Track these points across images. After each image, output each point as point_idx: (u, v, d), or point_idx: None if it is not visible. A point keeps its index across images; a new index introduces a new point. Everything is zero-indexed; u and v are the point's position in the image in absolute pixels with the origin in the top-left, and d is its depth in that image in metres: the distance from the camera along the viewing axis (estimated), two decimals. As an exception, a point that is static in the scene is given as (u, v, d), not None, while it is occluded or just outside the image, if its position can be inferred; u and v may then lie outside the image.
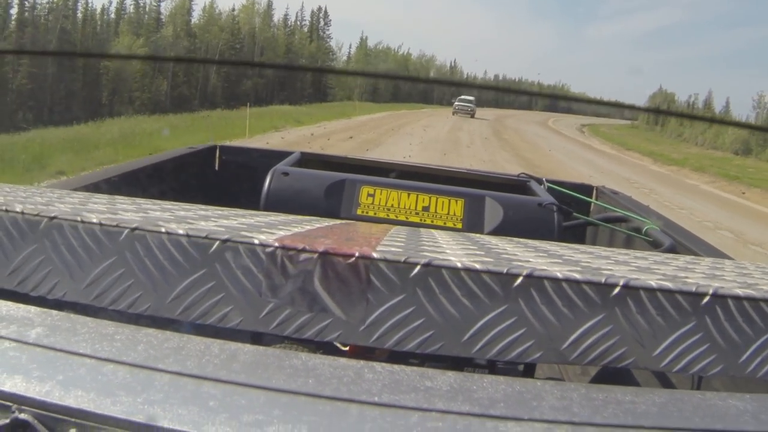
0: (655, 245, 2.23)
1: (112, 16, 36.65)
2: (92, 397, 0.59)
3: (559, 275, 0.74)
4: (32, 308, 0.74)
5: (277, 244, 0.75)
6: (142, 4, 39.48)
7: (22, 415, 0.59)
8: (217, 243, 0.75)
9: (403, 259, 0.74)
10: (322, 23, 66.69)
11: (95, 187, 2.09)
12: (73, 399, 0.59)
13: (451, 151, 22.80)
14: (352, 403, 0.61)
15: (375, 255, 0.74)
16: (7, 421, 0.59)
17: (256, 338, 1.29)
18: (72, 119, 23.00)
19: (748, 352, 0.73)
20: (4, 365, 0.63)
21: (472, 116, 50.93)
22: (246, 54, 47.78)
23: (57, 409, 0.59)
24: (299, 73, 56.65)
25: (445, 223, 2.28)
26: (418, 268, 0.73)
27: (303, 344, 1.35)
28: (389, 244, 0.87)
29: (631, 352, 0.73)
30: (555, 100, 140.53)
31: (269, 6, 56.28)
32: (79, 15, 31.29)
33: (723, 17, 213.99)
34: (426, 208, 2.30)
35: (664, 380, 1.72)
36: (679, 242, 2.24)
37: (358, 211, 2.29)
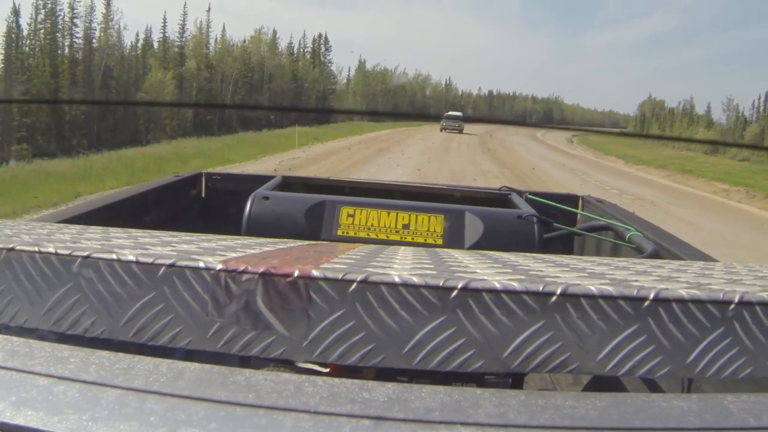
0: (638, 251, 2.25)
1: (139, 51, 41.05)
2: (41, 416, 0.61)
3: (497, 285, 0.74)
4: None
5: (220, 266, 0.77)
6: (167, 40, 44.02)
7: None
8: (164, 267, 0.78)
9: (340, 276, 0.76)
10: (323, 49, 71.16)
11: (79, 219, 2.18)
12: (23, 418, 0.61)
13: (443, 154, 28.39)
14: (288, 414, 0.62)
15: (315, 273, 0.76)
16: None
17: (245, 362, 1.28)
18: (119, 144, 26.67)
19: (695, 353, 0.74)
20: None
21: (460, 132, 52.77)
22: (256, 81, 52.20)
23: (8, 428, 0.61)
24: (305, 97, 60.67)
25: (425, 240, 2.30)
26: (355, 284, 0.75)
27: (290, 367, 1.39)
28: (338, 262, 0.90)
29: (574, 358, 0.74)
30: (550, 114, 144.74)
31: (274, 35, 60.85)
32: (116, 53, 35.71)
33: (718, 21, 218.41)
34: (406, 226, 2.32)
35: (652, 384, 1.76)
36: (662, 247, 2.28)
37: (339, 232, 2.31)
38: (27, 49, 30.08)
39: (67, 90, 29.77)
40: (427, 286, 0.74)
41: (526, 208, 2.47)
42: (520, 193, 3.05)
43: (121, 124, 31.74)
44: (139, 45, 40.48)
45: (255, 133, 32.02)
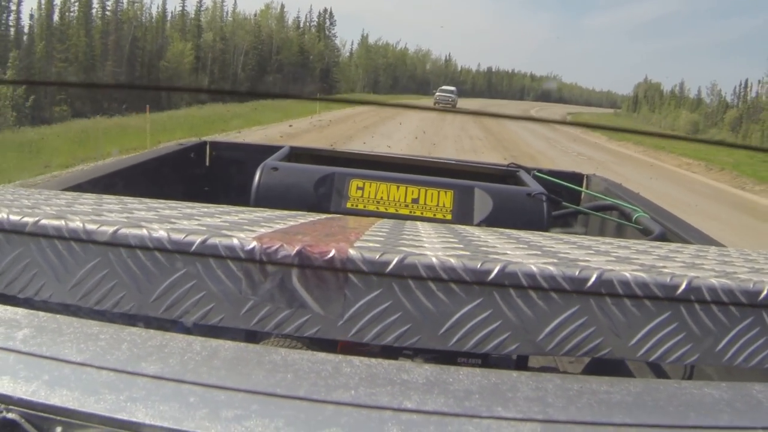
0: (645, 233, 2.23)
1: (159, 23, 43.73)
2: (76, 396, 0.60)
3: (534, 269, 0.74)
4: (20, 310, 0.75)
5: (255, 243, 0.76)
6: (185, 13, 46.67)
7: (10, 415, 0.60)
8: (197, 242, 0.76)
9: (378, 255, 0.75)
10: (328, 23, 73.60)
11: (85, 186, 2.12)
12: (58, 398, 0.60)
13: (439, 122, 31.74)
14: (329, 397, 0.61)
15: (351, 251, 0.75)
16: None
17: (250, 336, 1.30)
18: (142, 108, 29.43)
19: (724, 341, 0.74)
20: None
21: (454, 107, 52.15)
22: (266, 53, 54.82)
23: (43, 409, 0.60)
24: (310, 68, 63.19)
25: (434, 215, 2.26)
26: (393, 263, 0.74)
27: (295, 341, 1.34)
28: (368, 239, 0.89)
29: (607, 343, 0.74)
30: (547, 91, 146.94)
31: (282, 9, 63.41)
32: (142, 25, 38.51)
33: (719, 6, 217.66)
34: (415, 200, 2.29)
35: (656, 369, 1.74)
36: (669, 229, 2.25)
37: (348, 205, 2.28)
38: (59, 19, 32.73)
39: (99, 58, 32.50)
40: (464, 267, 0.74)
41: (534, 186, 2.45)
42: (527, 169, 3.04)
43: (141, 90, 34.44)
44: (166, 17, 43.15)
45: (264, 102, 34.82)
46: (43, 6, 31.00)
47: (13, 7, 29.66)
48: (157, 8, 41.31)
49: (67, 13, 32.61)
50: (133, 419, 0.58)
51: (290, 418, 0.59)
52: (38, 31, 29.69)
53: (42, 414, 0.60)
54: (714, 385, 0.68)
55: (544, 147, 25.22)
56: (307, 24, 70.40)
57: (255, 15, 57.22)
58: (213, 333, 0.77)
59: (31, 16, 30.08)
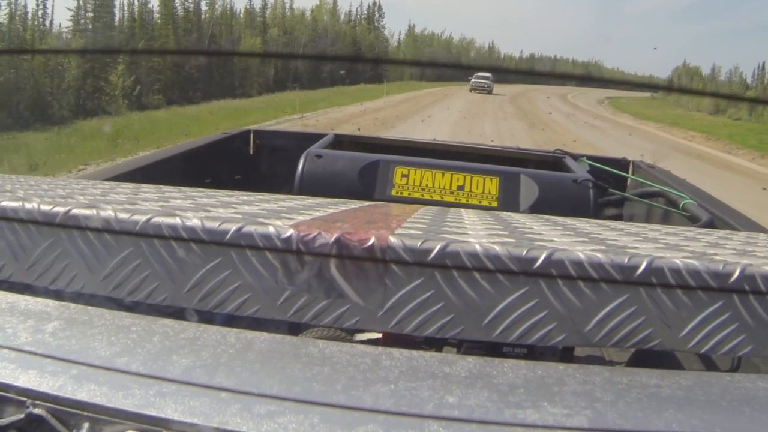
0: (692, 220, 2.21)
1: (233, 20, 48.95)
2: (104, 391, 0.59)
3: (581, 256, 0.72)
4: (50, 302, 0.74)
5: (292, 231, 0.74)
6: (253, 10, 51.85)
7: (36, 410, 0.59)
8: (232, 231, 0.75)
9: (419, 243, 0.72)
10: (377, 15, 78.20)
11: (127, 176, 2.10)
12: (85, 393, 0.59)
13: (481, 104, 37.40)
14: (367, 391, 0.59)
15: (392, 239, 0.73)
16: (22, 416, 0.59)
17: (292, 328, 1.28)
18: (219, 97, 33.95)
19: None
20: (20, 360, 0.63)
21: (489, 92, 52.11)
22: (322, 45, 59.56)
23: (70, 404, 0.58)
24: (363, 58, 67.73)
25: (480, 202, 2.25)
26: (435, 251, 0.72)
27: (333, 331, 1.30)
28: (410, 227, 0.86)
29: (657, 334, 0.72)
30: (589, 77, 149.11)
31: (335, 3, 68.18)
32: (220, 23, 43.61)
33: None
34: (461, 187, 2.28)
35: (703, 359, 1.67)
36: (717, 216, 2.21)
37: (393, 192, 2.28)
38: (147, 17, 37.87)
39: (185, 54, 37.56)
40: (509, 255, 0.72)
41: (580, 172, 2.43)
42: (573, 156, 2.98)
43: (219, 81, 39.38)
44: (235, 14, 48.06)
45: (337, 88, 39.69)
46: (135, 8, 36.05)
47: (117, 11, 34.70)
48: (226, 6, 46.23)
49: (153, 15, 37.79)
50: (162, 415, 0.57)
51: (326, 414, 0.56)
52: (138, 30, 34.79)
53: (69, 409, 0.59)
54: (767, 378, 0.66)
55: (562, 120, 30.02)
56: (358, 17, 75.22)
57: (312, 10, 62.27)
58: (253, 325, 0.77)
59: (133, 18, 35.15)
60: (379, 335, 1.24)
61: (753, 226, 2.11)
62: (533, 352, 1.37)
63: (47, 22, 30.85)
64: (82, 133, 18.66)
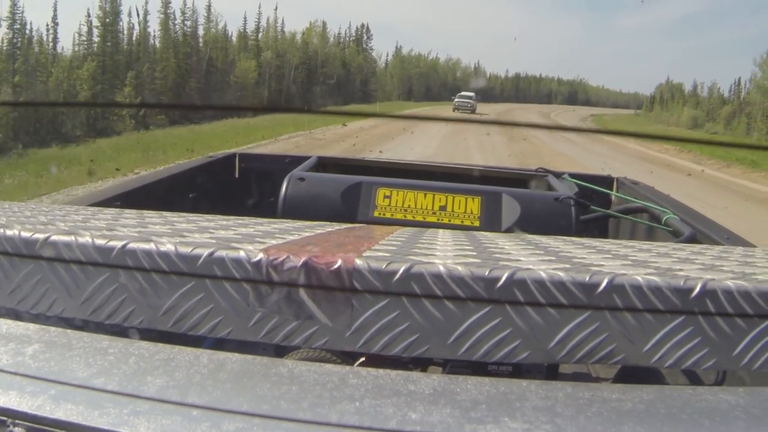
0: (675, 235, 2.21)
1: (230, 43, 50.97)
2: (81, 410, 0.60)
3: (543, 275, 0.72)
4: (31, 326, 0.76)
5: (261, 255, 0.76)
6: (247, 34, 53.93)
7: (16, 429, 0.60)
8: (204, 256, 0.76)
9: (384, 265, 0.74)
10: (365, 37, 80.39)
11: (112, 201, 2.12)
12: (63, 412, 0.60)
13: (457, 131, 39.32)
14: (333, 408, 0.61)
15: (358, 261, 0.74)
16: None
17: (280, 351, 1.28)
18: (212, 118, 35.56)
19: (741, 345, 0.72)
20: (1, 381, 0.65)
21: (473, 112, 52.27)
22: (312, 67, 61.58)
23: (48, 422, 0.60)
24: (352, 79, 69.84)
25: (462, 222, 2.26)
26: (400, 273, 0.73)
27: (322, 354, 1.30)
28: (379, 249, 0.88)
29: (620, 349, 0.72)
30: (574, 96, 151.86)
31: (324, 26, 70.26)
32: (217, 47, 45.61)
33: (749, 2, 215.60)
34: (443, 208, 2.30)
35: (689, 374, 1.70)
36: (699, 231, 2.23)
37: (376, 213, 2.29)
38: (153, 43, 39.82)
39: (185, 76, 39.47)
40: (473, 276, 0.73)
41: (562, 190, 2.45)
42: (556, 174, 3.00)
43: (217, 102, 41.22)
44: (228, 36, 50.00)
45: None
46: (136, 34, 37.91)
47: (124, 34, 36.56)
48: (222, 30, 48.21)
49: (154, 39, 39.75)
50: None
51: (292, 430, 0.58)
52: (141, 54, 36.67)
53: (47, 428, 0.60)
54: (731, 390, 0.67)
55: (545, 137, 31.76)
56: (346, 39, 77.44)
57: (302, 33, 64.30)
58: (241, 348, 0.79)
59: (138, 43, 37.06)
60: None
61: (735, 240, 2.15)
62: (519, 370, 1.39)
63: (59, 47, 32.81)
64: (108, 148, 20.49)
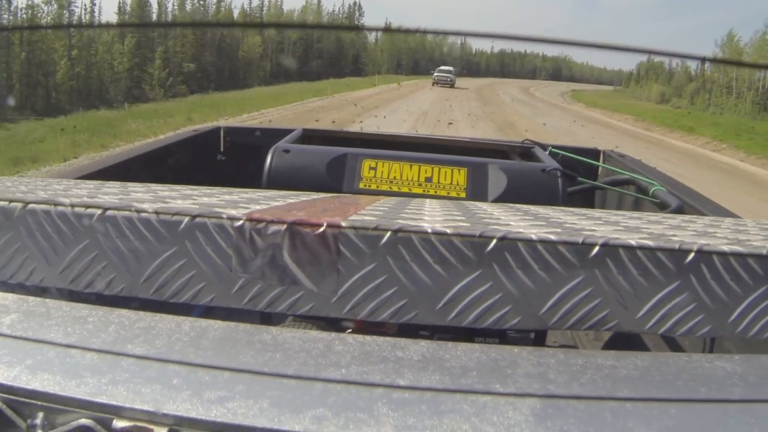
0: (662, 207, 2.22)
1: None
2: (58, 380, 0.58)
3: (534, 237, 0.71)
4: (9, 296, 0.73)
5: (244, 219, 0.74)
6: (251, 11, 58.22)
7: None
8: (186, 220, 0.74)
9: (372, 227, 0.72)
10: (357, 14, 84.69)
11: (97, 175, 2.06)
12: (39, 383, 0.58)
13: (450, 92, 45.15)
14: (318, 375, 0.59)
15: (344, 224, 0.73)
16: None
17: (265, 318, 1.26)
18: (228, 87, 39.80)
19: (737, 311, 0.71)
20: None
21: (452, 86, 52.04)
22: (309, 42, 65.61)
23: (24, 393, 0.58)
24: (344, 53, 73.96)
25: (448, 193, 2.23)
26: (387, 235, 0.72)
27: (313, 322, 1.32)
28: (365, 214, 0.86)
29: (614, 315, 0.71)
30: (558, 71, 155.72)
31: (319, 3, 74.43)
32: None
33: None
34: (429, 179, 2.27)
35: (677, 345, 1.70)
36: (686, 203, 2.21)
37: (361, 185, 2.26)
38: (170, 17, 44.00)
39: (202, 50, 43.57)
40: (462, 237, 0.71)
41: (549, 162, 2.41)
42: (542, 146, 2.94)
43: (228, 75, 45.45)
44: (233, 13, 54.23)
45: (329, 80, 46.23)
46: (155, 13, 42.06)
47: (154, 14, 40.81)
48: (228, 7, 52.49)
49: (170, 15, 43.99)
50: (114, 402, 0.56)
51: (276, 398, 0.56)
52: (164, 30, 40.86)
53: (23, 399, 0.58)
54: (727, 358, 0.65)
55: (519, 106, 36.42)
56: (340, 16, 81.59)
57: (301, 11, 68.59)
58: (231, 316, 0.75)
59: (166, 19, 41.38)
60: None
61: (722, 212, 2.08)
62: (506, 341, 1.35)
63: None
64: (154, 112, 24.11)
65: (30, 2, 31.12)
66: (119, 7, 39.13)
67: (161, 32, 38.16)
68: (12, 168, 10.73)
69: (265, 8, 60.39)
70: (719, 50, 50.17)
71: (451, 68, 57.48)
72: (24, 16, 30.25)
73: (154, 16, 41.53)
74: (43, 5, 31.69)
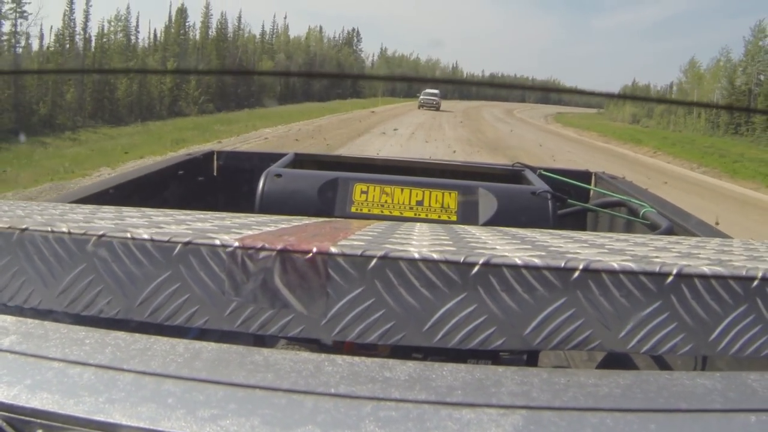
0: (652, 228, 2.23)
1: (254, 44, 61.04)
2: (57, 399, 0.59)
3: (518, 261, 0.72)
4: (8, 318, 0.75)
5: (236, 244, 0.75)
6: (264, 38, 64.29)
7: None
8: (180, 245, 0.76)
9: (359, 252, 0.74)
10: (355, 40, 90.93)
11: (91, 199, 2.09)
12: (38, 401, 0.59)
13: (438, 114, 50.21)
14: (308, 395, 0.60)
15: (333, 250, 0.74)
16: None
17: (258, 341, 1.28)
18: (245, 106, 45.43)
19: (717, 330, 0.72)
20: None
21: (437, 109, 53.36)
22: (313, 66, 71.49)
23: (24, 412, 0.59)
24: (344, 78, 79.56)
25: (439, 216, 2.26)
26: (375, 260, 0.73)
27: (305, 344, 1.34)
28: (355, 239, 0.87)
29: (596, 335, 0.72)
30: (547, 94, 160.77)
31: (321, 30, 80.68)
32: (248, 47, 55.65)
33: (726, 6, 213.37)
34: (420, 202, 2.28)
35: (664, 362, 1.74)
36: (677, 224, 2.23)
37: (353, 209, 2.27)
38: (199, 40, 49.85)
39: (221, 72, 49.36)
40: (448, 262, 0.73)
41: (539, 184, 2.43)
42: (533, 169, 3.00)
43: (243, 95, 51.19)
44: (244, 36, 60.13)
45: (335, 101, 52.18)
46: (169, 30, 47.84)
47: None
48: (245, 34, 58.19)
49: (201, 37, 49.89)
50: (111, 420, 0.58)
51: (267, 416, 0.58)
52: (191, 51, 46.78)
53: (23, 417, 0.60)
54: (707, 375, 0.66)
55: (500, 126, 41.46)
56: (339, 42, 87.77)
57: (306, 38, 74.67)
58: (226, 338, 0.78)
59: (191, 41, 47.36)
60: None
61: (713, 233, 2.10)
62: (499, 362, 1.34)
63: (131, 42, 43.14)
64: (191, 125, 29.24)
65: (99, 30, 37.47)
66: (153, 35, 45.00)
67: (195, 57, 43.94)
68: (176, 146, 17.24)
69: (275, 34, 66.42)
70: (683, 75, 55.99)
71: (436, 91, 57.76)
72: (95, 44, 36.28)
73: (188, 42, 47.12)
74: (111, 35, 37.65)
